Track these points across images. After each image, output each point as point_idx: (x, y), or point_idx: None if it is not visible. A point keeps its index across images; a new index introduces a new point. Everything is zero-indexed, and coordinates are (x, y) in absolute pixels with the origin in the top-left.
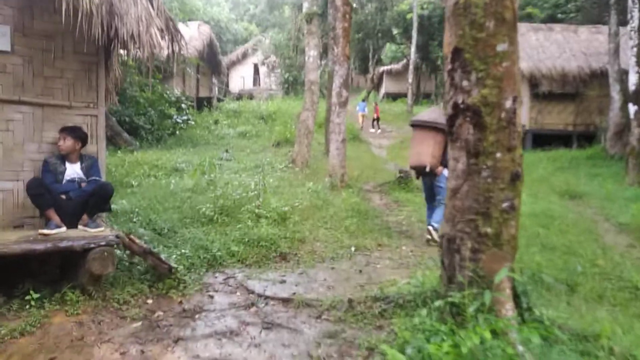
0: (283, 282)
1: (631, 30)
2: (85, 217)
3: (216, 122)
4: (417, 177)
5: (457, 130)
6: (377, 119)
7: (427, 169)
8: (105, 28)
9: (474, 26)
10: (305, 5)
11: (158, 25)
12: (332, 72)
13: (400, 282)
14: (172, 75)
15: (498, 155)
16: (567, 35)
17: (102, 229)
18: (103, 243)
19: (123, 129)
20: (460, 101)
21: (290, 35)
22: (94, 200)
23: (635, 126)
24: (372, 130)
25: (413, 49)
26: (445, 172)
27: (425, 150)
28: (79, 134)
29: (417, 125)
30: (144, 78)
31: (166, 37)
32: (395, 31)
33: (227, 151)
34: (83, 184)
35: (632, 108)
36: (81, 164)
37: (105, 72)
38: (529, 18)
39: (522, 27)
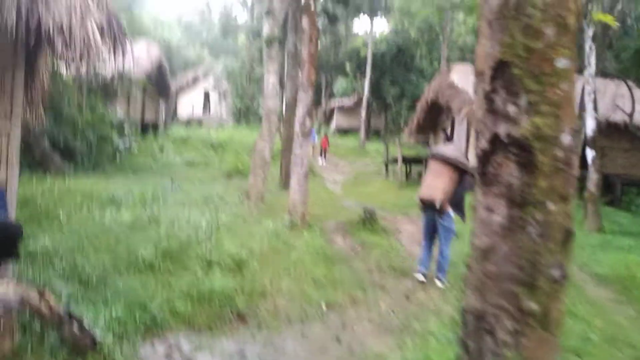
0: (242, 357)
1: (589, 76)
2: None
3: (162, 149)
4: (421, 209)
5: (494, 170)
6: (325, 151)
7: (437, 205)
8: (23, 15)
9: (529, 33)
10: (265, 29)
11: (97, 20)
12: (289, 101)
13: (389, 357)
14: (116, 95)
15: (550, 206)
16: None
17: (3, 284)
18: None
19: (57, 152)
20: (502, 133)
21: (244, 63)
22: None
23: (593, 172)
24: (320, 162)
25: (366, 85)
26: (451, 211)
27: (440, 185)
28: None
29: (437, 159)
30: (83, 96)
31: (107, 39)
32: (348, 66)
33: (172, 181)
34: None
35: (589, 153)
36: None
37: (26, 77)
38: None
39: None
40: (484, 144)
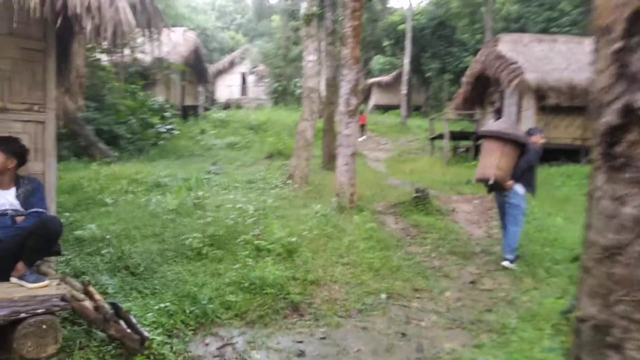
0: (301, 354)
1: None
2: (20, 265)
3: (202, 131)
4: (488, 192)
5: (626, 151)
6: (363, 127)
7: (491, 181)
8: None
9: None
10: (303, 5)
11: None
12: (329, 80)
13: (466, 357)
14: (156, 82)
15: None
16: (571, 47)
17: (45, 282)
18: (40, 310)
19: (101, 139)
20: (638, 103)
21: (279, 44)
22: (34, 241)
23: None
24: (360, 138)
25: (407, 60)
26: (518, 187)
27: (491, 163)
28: (12, 148)
29: (485, 136)
30: (125, 83)
31: (141, 20)
32: (385, 43)
33: (215, 164)
34: (18, 219)
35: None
36: (17, 190)
37: (59, 64)
38: (523, 32)
39: (525, 37)
40: (610, 117)
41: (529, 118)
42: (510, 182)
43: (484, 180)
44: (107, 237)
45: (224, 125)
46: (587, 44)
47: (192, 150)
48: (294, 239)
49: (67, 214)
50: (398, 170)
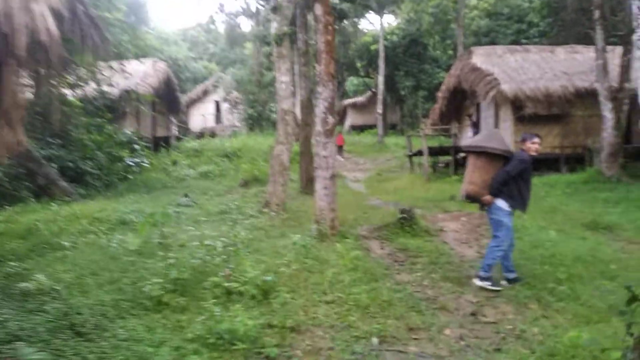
0: None
1: (638, 40)
2: None
3: (174, 162)
4: (480, 209)
5: None
6: (341, 147)
7: (460, 197)
8: None
9: None
10: (274, 26)
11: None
12: (304, 102)
13: None
14: (125, 114)
15: None
16: (545, 56)
17: None
18: None
19: (66, 176)
20: None
21: (252, 70)
22: None
23: None
24: (342, 159)
25: (381, 79)
26: (499, 202)
27: (472, 178)
28: None
29: (467, 151)
30: (91, 118)
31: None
32: (358, 64)
33: (186, 195)
34: None
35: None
36: None
37: None
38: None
39: (498, 49)
40: None
41: (507, 129)
42: (487, 197)
43: (464, 196)
44: (57, 287)
45: (197, 154)
46: (559, 53)
47: (163, 182)
48: (269, 278)
49: (14, 263)
50: (379, 189)
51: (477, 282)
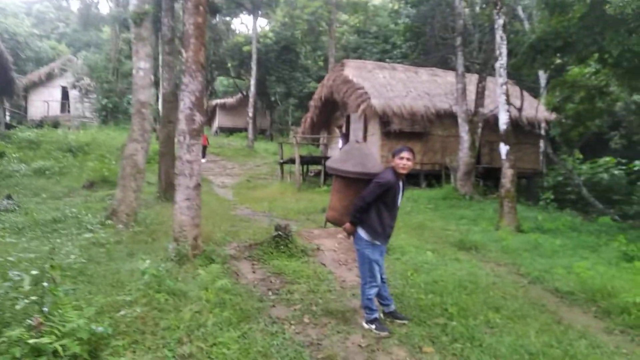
0: None
1: (500, 68)
2: None
3: (1, 155)
4: None
5: None
6: (205, 147)
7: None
8: None
9: None
10: (133, 3)
11: None
12: (167, 96)
13: None
14: None
15: None
16: (410, 76)
17: None
18: None
19: None
20: None
21: (109, 57)
22: None
23: (507, 167)
24: (203, 160)
25: (253, 81)
26: (360, 231)
27: (330, 201)
28: None
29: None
30: None
31: None
32: (230, 63)
33: (9, 197)
34: None
35: (503, 148)
36: None
37: None
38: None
39: (369, 64)
40: None
41: (375, 143)
42: (347, 226)
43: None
44: None
45: (33, 147)
46: (422, 74)
47: None
48: (101, 327)
49: None
50: (248, 197)
51: (364, 325)
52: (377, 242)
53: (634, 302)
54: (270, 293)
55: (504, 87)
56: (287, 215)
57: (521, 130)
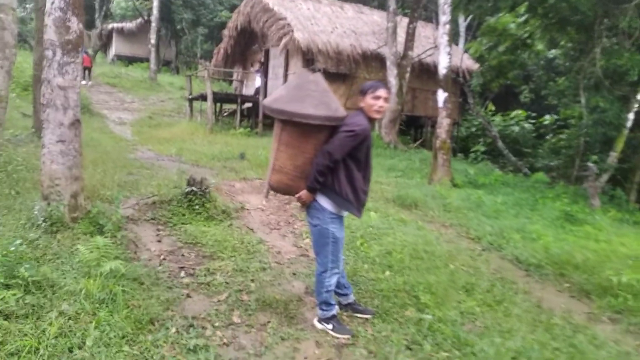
0: None
1: (444, 4)
2: None
3: None
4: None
5: None
6: (89, 69)
7: (266, 193)
8: None
9: None
10: None
11: None
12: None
13: None
14: None
15: None
16: (335, 10)
17: None
18: None
19: None
20: None
21: None
22: None
23: (444, 116)
24: (84, 82)
25: (156, 3)
26: (321, 199)
27: (272, 159)
28: None
29: (274, 116)
30: None
31: None
32: None
33: None
34: None
35: (441, 95)
36: None
37: None
38: None
39: None
40: None
41: None
42: (303, 193)
43: (266, 191)
44: None
45: None
46: (348, 10)
47: None
48: None
49: None
50: (151, 137)
51: (317, 325)
52: (345, 214)
53: (619, 282)
54: (183, 274)
55: (447, 26)
56: (199, 160)
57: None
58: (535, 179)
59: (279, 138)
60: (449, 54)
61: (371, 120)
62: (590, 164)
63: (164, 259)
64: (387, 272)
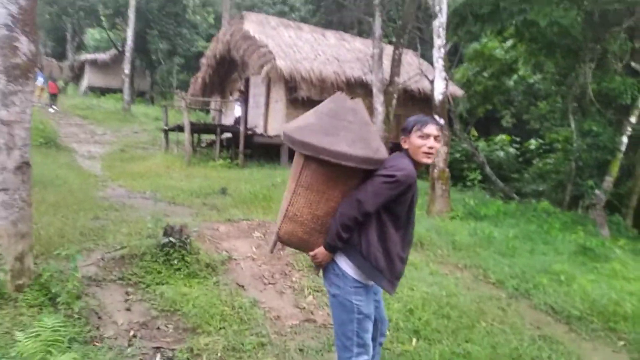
0: None
1: (439, 27)
2: None
3: None
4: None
5: None
6: (54, 95)
7: (274, 244)
8: None
9: None
10: None
11: None
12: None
13: None
14: None
15: None
16: (317, 37)
17: None
18: None
19: None
20: None
21: None
22: None
23: (442, 144)
24: (51, 110)
25: (130, 33)
26: (342, 262)
27: (285, 204)
28: None
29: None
30: None
31: None
32: (102, 12)
33: None
34: None
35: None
36: None
37: None
38: None
39: (272, 20)
40: None
41: (280, 111)
42: (319, 252)
43: (274, 242)
44: None
45: None
46: (330, 37)
47: None
48: None
49: None
50: (122, 172)
51: None
52: (370, 283)
53: None
54: (158, 359)
55: (442, 50)
56: (175, 197)
57: (428, 105)
58: (538, 207)
59: (297, 177)
60: (445, 79)
61: (418, 166)
62: (597, 192)
63: (134, 335)
64: (415, 341)
